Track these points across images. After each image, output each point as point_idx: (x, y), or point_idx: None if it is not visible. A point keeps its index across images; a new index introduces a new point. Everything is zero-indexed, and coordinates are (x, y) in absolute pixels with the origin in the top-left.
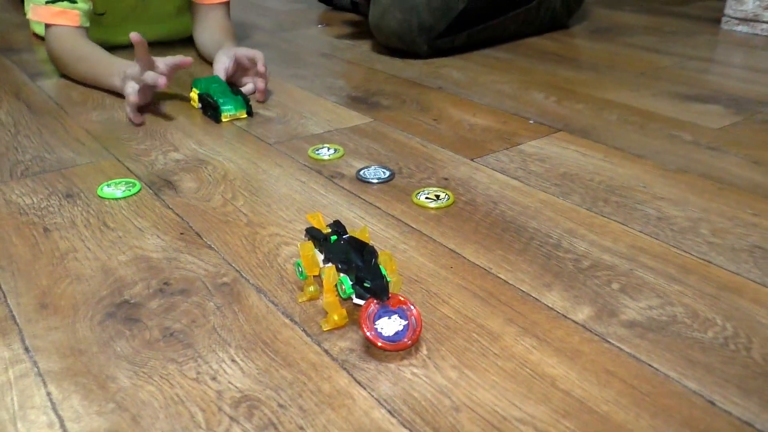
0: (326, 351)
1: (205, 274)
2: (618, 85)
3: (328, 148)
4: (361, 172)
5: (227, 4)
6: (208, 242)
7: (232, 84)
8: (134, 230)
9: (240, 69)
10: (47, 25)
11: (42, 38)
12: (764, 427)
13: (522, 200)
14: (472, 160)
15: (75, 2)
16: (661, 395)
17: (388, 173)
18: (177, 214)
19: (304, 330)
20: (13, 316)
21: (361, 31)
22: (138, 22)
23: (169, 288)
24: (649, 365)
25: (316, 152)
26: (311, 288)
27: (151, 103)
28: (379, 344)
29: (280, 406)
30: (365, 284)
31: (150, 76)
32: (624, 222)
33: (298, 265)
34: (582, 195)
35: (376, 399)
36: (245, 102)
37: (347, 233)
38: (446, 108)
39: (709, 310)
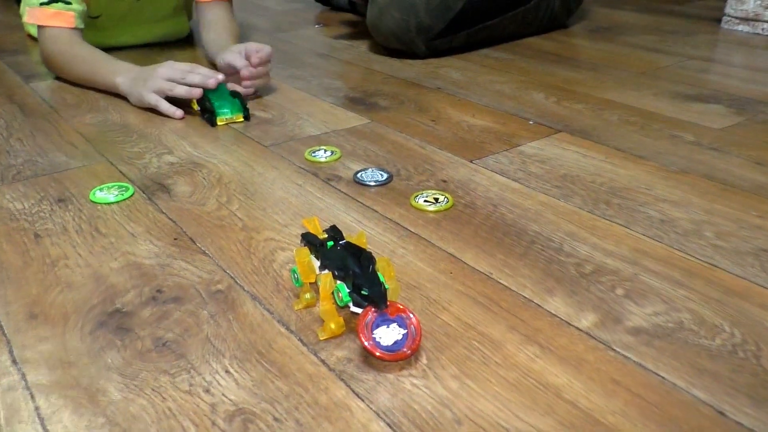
0: (323, 361)
1: (198, 281)
2: (618, 85)
3: (325, 150)
4: (359, 175)
5: (229, 2)
6: (202, 248)
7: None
8: (127, 236)
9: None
10: (40, 27)
11: (37, 40)
12: None
13: (522, 203)
14: (471, 161)
15: (69, 3)
16: (669, 405)
17: (385, 176)
18: (170, 219)
19: (300, 339)
20: (1, 326)
21: (358, 31)
22: (133, 24)
23: (161, 296)
24: (656, 374)
25: (313, 154)
26: (307, 295)
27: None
28: (378, 354)
29: (276, 419)
30: (363, 292)
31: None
32: (626, 224)
33: (294, 271)
34: (583, 197)
35: (375, 411)
36: (242, 105)
37: (344, 238)
38: (445, 109)
39: (716, 316)
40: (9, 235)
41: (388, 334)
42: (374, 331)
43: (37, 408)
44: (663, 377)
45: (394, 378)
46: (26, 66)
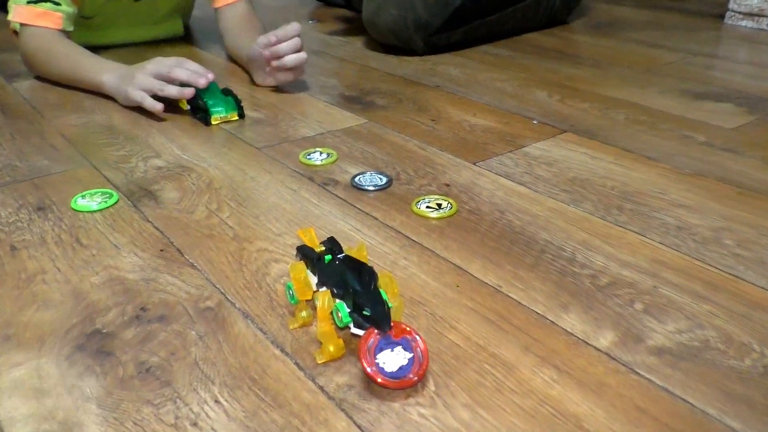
0: (321, 388)
1: (186, 297)
2: (623, 83)
3: (321, 153)
4: (356, 179)
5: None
6: (191, 260)
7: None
8: (110, 247)
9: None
10: (24, 25)
11: None
12: None
13: (530, 208)
14: (474, 164)
15: (59, 4)
16: None
17: (385, 179)
18: (157, 228)
19: (296, 363)
20: None
21: (353, 27)
22: (128, 25)
23: (146, 314)
24: (684, 400)
25: (308, 157)
26: (303, 313)
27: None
28: (380, 381)
29: None
30: (364, 312)
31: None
32: (641, 232)
33: (289, 287)
34: (594, 202)
35: None
36: (236, 104)
37: (343, 251)
38: (445, 107)
39: (744, 333)
40: None
41: (392, 359)
42: (377, 356)
43: None
44: (692, 404)
45: (400, 407)
46: (9, 65)
